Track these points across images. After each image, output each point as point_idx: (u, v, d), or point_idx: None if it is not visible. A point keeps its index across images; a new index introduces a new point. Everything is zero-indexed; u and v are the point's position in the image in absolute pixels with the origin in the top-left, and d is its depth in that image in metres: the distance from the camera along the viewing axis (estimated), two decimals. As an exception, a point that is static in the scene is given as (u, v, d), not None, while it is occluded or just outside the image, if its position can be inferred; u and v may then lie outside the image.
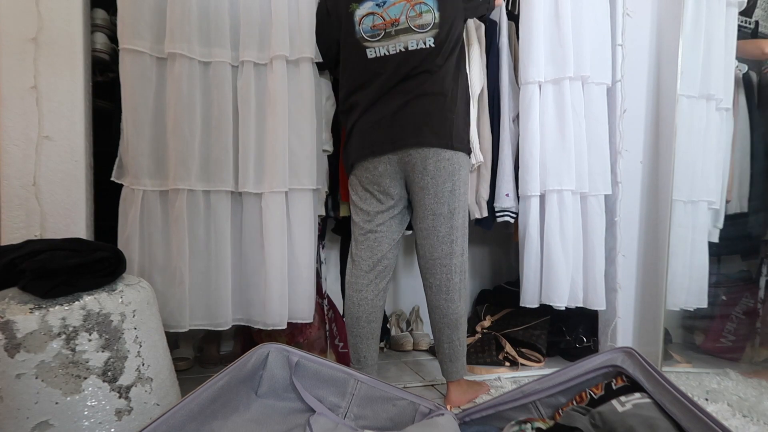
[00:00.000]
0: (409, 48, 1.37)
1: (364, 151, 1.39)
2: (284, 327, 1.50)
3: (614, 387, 0.98)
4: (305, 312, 1.54)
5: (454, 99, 1.39)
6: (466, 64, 1.54)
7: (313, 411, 1.08)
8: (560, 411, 1.05)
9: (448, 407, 1.33)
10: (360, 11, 1.42)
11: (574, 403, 1.03)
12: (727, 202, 1.94)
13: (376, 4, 1.41)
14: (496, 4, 1.67)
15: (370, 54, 1.40)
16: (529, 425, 0.96)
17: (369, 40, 1.41)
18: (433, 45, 1.37)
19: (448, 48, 1.39)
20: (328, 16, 1.50)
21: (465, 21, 1.49)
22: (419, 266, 1.44)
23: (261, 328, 1.50)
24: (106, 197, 1.43)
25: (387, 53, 1.39)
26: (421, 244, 1.41)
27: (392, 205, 1.42)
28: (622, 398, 0.92)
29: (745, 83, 2.03)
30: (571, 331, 1.91)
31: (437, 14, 1.37)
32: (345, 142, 1.48)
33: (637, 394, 0.92)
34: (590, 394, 1.01)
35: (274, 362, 1.09)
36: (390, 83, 1.37)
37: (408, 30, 1.38)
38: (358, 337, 1.42)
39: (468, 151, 1.43)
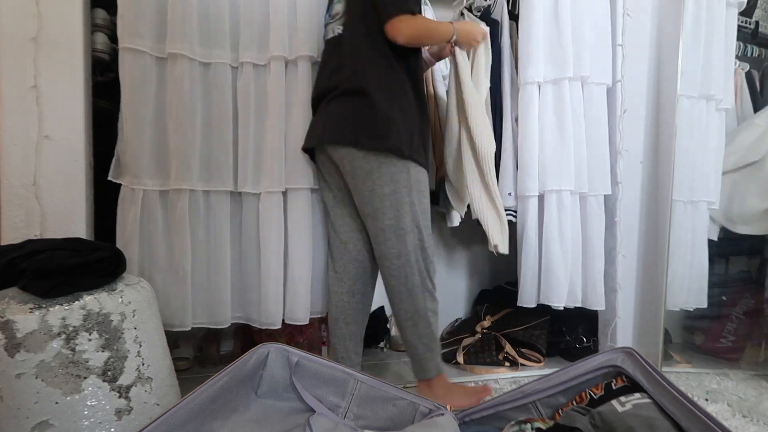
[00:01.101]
0: (326, 37, 1.43)
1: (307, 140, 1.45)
2: (278, 327, 1.50)
3: (614, 387, 0.98)
4: (300, 314, 1.52)
5: (380, 97, 1.27)
6: (410, 56, 1.38)
7: (313, 411, 1.08)
8: (560, 411, 1.05)
9: (448, 407, 1.33)
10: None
11: (574, 403, 1.03)
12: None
13: None
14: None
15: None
16: (529, 425, 0.96)
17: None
18: (341, 32, 1.38)
19: (359, 37, 1.32)
20: None
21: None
22: None
23: (258, 327, 1.50)
24: (106, 197, 1.43)
25: (324, 46, 1.46)
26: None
27: (339, 197, 1.44)
28: (622, 398, 0.92)
29: (748, 82, 2.03)
30: (571, 331, 1.91)
31: (344, 3, 1.38)
32: None
33: (637, 395, 0.92)
34: (590, 394, 1.01)
35: (274, 362, 1.09)
36: (322, 76, 1.42)
37: (330, 22, 1.43)
38: (335, 338, 1.44)
39: (396, 153, 1.27)
